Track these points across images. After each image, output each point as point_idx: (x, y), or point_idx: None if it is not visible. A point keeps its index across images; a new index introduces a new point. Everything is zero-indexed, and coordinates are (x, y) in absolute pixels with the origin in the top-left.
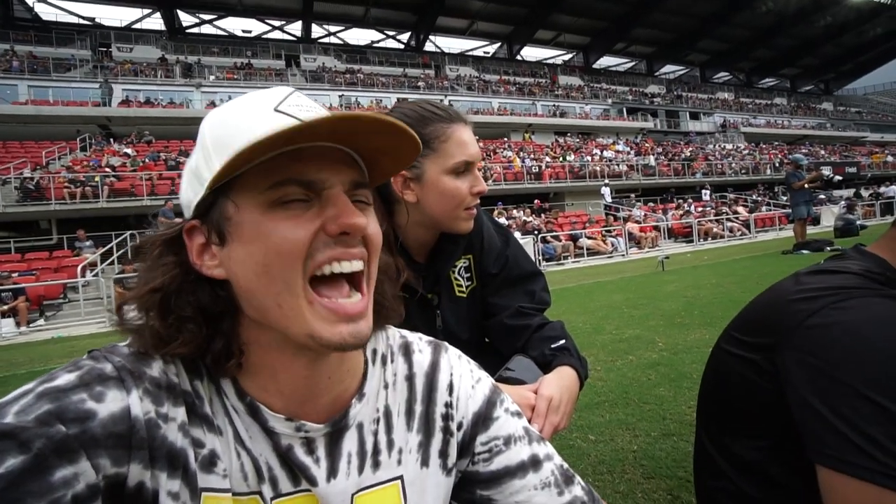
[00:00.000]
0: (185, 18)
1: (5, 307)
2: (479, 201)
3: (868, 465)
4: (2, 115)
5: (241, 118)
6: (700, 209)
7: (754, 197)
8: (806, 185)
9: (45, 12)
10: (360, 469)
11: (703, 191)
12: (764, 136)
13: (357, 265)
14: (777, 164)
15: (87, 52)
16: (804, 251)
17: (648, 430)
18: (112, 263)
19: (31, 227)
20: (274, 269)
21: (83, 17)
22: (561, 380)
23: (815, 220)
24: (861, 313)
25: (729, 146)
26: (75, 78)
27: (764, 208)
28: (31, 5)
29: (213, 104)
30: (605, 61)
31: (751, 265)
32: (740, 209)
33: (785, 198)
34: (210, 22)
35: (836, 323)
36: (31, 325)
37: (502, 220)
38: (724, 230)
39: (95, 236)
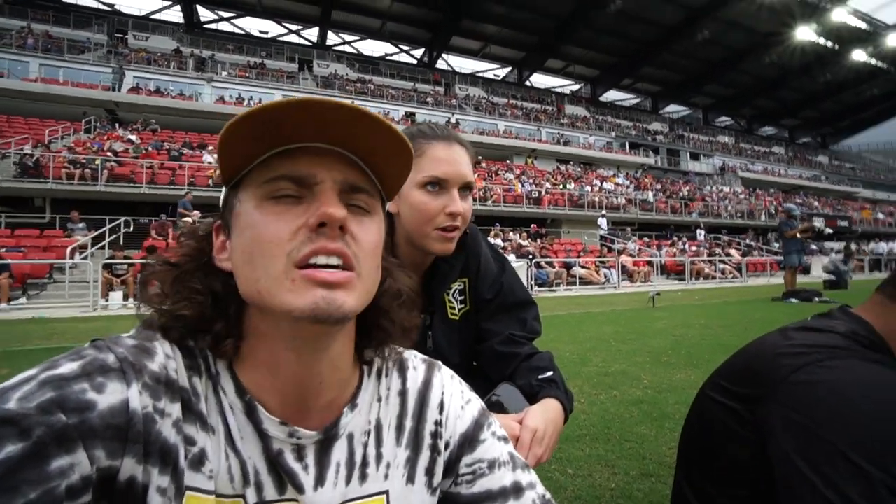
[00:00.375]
0: (204, 13)
1: None
2: (458, 223)
3: None
4: (10, 89)
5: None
6: (694, 248)
7: (748, 241)
8: (798, 235)
9: None
10: (348, 480)
11: (699, 230)
12: (760, 183)
13: (334, 260)
14: (772, 211)
15: (103, 37)
16: (793, 300)
17: (627, 469)
18: (103, 248)
19: (26, 203)
20: (255, 257)
21: (103, 2)
22: (546, 412)
23: (806, 270)
24: (846, 374)
25: (726, 189)
26: (88, 60)
27: (756, 253)
28: None
29: (222, 99)
30: (612, 95)
31: (741, 309)
32: (733, 252)
33: (777, 245)
34: (228, 19)
35: (822, 382)
36: (11, 303)
37: (498, 242)
38: (716, 271)
39: (89, 219)
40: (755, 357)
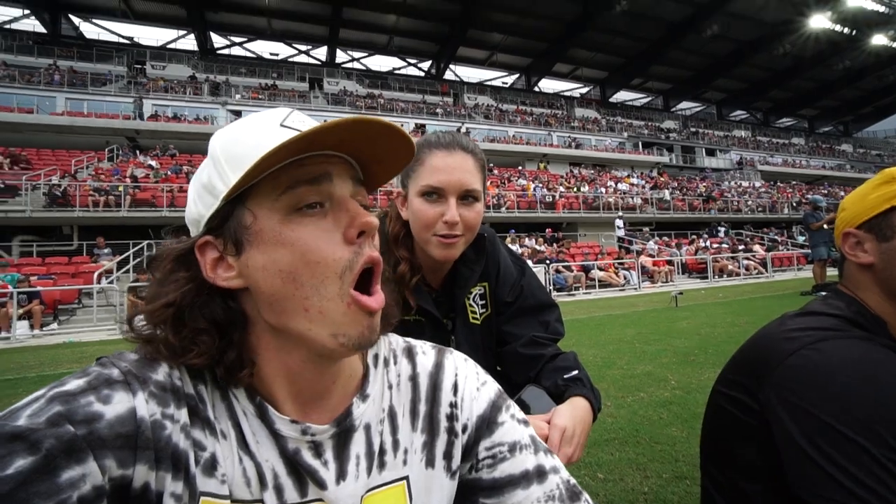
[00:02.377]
0: (217, 40)
1: (21, 310)
2: (456, 231)
3: (846, 500)
4: (39, 124)
5: (251, 134)
6: (715, 245)
7: (772, 235)
8: (825, 226)
9: (89, 31)
10: (369, 470)
11: (720, 227)
12: (781, 175)
13: (374, 269)
14: (795, 204)
15: (123, 69)
16: (824, 293)
17: (660, 472)
18: (128, 272)
19: (54, 231)
20: (302, 276)
21: (123, 36)
22: (574, 410)
23: (836, 262)
24: (835, 354)
25: (745, 184)
26: (109, 92)
27: (781, 248)
28: (77, 24)
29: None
30: (622, 95)
31: (768, 305)
32: (757, 247)
33: (803, 238)
34: (240, 44)
35: (813, 362)
36: (44, 329)
37: (514, 248)
38: (739, 268)
39: (114, 244)
40: (756, 346)
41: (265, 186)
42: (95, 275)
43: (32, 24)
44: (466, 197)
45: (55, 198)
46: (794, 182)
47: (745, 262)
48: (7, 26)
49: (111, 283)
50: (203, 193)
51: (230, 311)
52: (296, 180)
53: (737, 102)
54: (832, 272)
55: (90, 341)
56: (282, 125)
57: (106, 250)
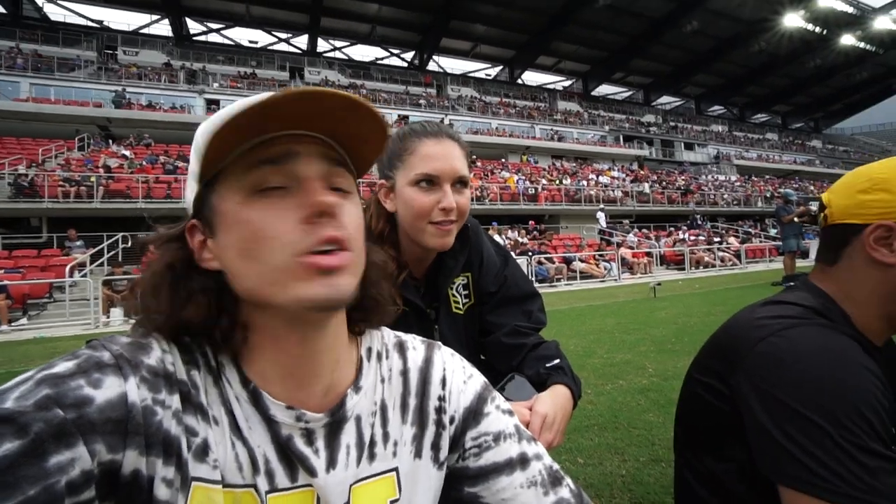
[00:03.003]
0: (193, 26)
1: None
2: (452, 218)
3: (810, 479)
4: (1, 110)
5: (222, 115)
6: (693, 237)
7: (745, 228)
8: (795, 219)
9: (54, 13)
10: (358, 461)
11: (697, 216)
12: (756, 170)
13: (332, 247)
14: (768, 197)
15: (93, 54)
16: (793, 283)
17: (637, 455)
18: (101, 265)
19: (21, 223)
20: (255, 252)
21: (91, 20)
22: (555, 398)
23: (805, 254)
24: (799, 341)
25: (722, 177)
26: (78, 78)
27: (755, 240)
28: (41, 5)
29: (214, 111)
30: (604, 89)
31: (741, 295)
32: (732, 239)
33: (775, 230)
34: (217, 31)
35: (779, 349)
36: (12, 325)
37: (497, 240)
38: (715, 259)
39: (87, 236)
40: (727, 333)
41: (233, 169)
42: (67, 268)
43: None
44: (458, 183)
45: (21, 188)
46: (767, 176)
47: (721, 254)
48: None
49: (84, 276)
50: (190, 180)
51: (221, 283)
52: (258, 160)
53: (715, 97)
54: (801, 264)
55: (63, 336)
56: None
57: (78, 243)
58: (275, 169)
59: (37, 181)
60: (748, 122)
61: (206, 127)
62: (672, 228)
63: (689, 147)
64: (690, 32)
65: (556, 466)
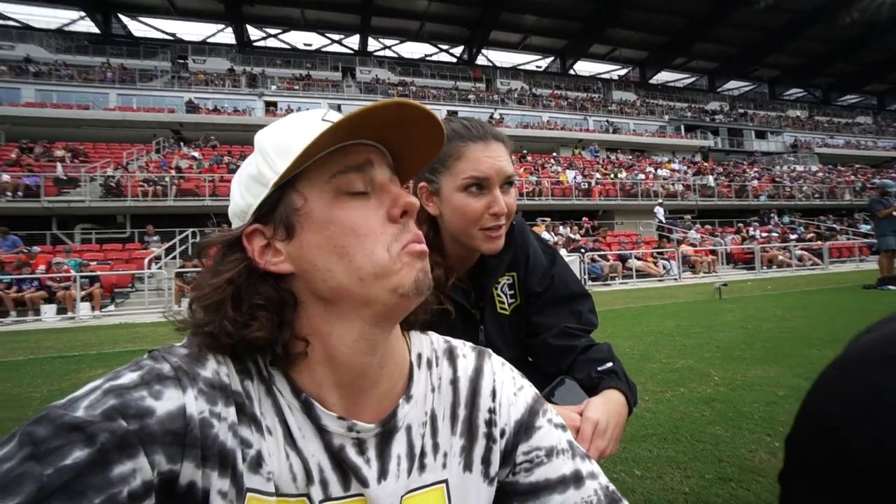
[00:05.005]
0: (254, 33)
1: (83, 292)
2: (502, 221)
3: None
4: (95, 119)
5: (296, 127)
6: (764, 234)
7: (829, 223)
8: (894, 213)
9: (137, 29)
10: (409, 471)
11: (771, 215)
12: (842, 158)
13: (423, 246)
14: (858, 189)
15: (168, 64)
16: (891, 287)
17: (702, 472)
18: (174, 258)
19: (110, 220)
20: (353, 248)
21: (167, 33)
22: (608, 404)
23: None
24: None
25: (800, 168)
26: (155, 87)
27: (841, 236)
28: (126, 23)
29: (272, 112)
30: (663, 76)
31: (824, 299)
32: (811, 236)
33: (867, 226)
34: (275, 36)
35: None
36: (103, 310)
37: (547, 236)
38: (791, 258)
39: (162, 232)
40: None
41: (314, 172)
42: (146, 261)
43: (87, 25)
44: (506, 184)
45: (110, 188)
46: (857, 165)
47: (799, 252)
48: (66, 28)
49: (160, 268)
50: (251, 184)
51: (281, 292)
52: (345, 166)
53: (792, 80)
54: None
55: (142, 323)
56: (323, 119)
57: (155, 237)
58: (358, 175)
59: (122, 182)
60: (834, 104)
61: (296, 131)
62: (741, 224)
63: (760, 135)
64: (763, 8)
65: (612, 487)
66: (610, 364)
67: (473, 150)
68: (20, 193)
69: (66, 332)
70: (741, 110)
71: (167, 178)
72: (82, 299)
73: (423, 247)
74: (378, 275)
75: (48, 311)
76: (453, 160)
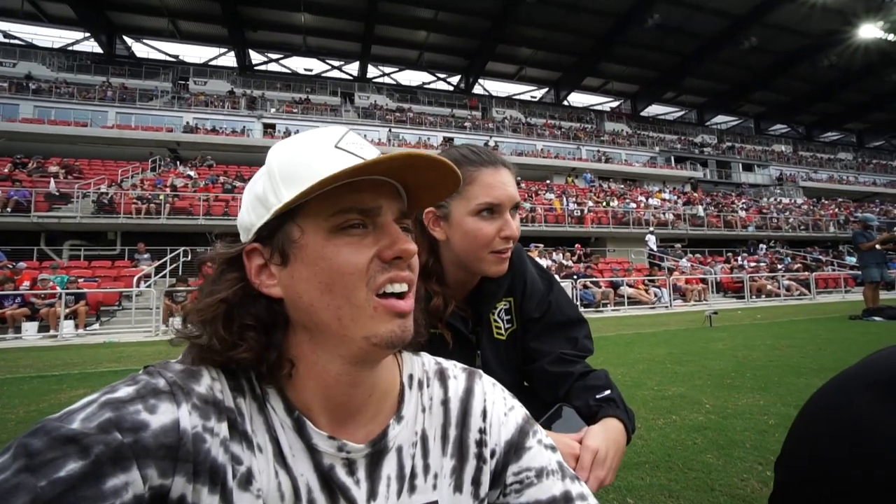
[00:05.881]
0: (255, 57)
1: (67, 310)
2: (511, 245)
3: None
4: (92, 136)
5: (307, 154)
6: (753, 264)
7: (815, 255)
8: (878, 246)
9: (140, 50)
10: (399, 493)
11: (761, 245)
12: (826, 192)
13: (405, 287)
14: (841, 222)
15: (169, 85)
16: (876, 318)
17: (694, 500)
18: (164, 276)
19: (100, 237)
20: (336, 287)
21: (169, 55)
22: (607, 432)
23: (890, 285)
24: None
25: (786, 200)
26: (155, 107)
27: (827, 268)
28: (130, 45)
29: (270, 134)
30: (654, 109)
31: (812, 328)
32: (798, 267)
33: (851, 259)
34: (276, 60)
35: None
36: (87, 328)
37: (541, 262)
38: (779, 288)
39: (153, 250)
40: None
41: (316, 206)
42: (135, 279)
43: (91, 45)
44: (513, 209)
45: (102, 205)
46: (840, 199)
47: (787, 282)
48: (69, 48)
49: (149, 286)
50: (256, 204)
51: (273, 313)
52: (349, 207)
53: (777, 116)
54: (886, 296)
55: (128, 342)
56: (336, 146)
57: (145, 255)
58: (361, 215)
59: (115, 199)
60: (817, 140)
61: (306, 157)
62: (730, 254)
63: (747, 168)
64: (749, 49)
65: None
66: (608, 392)
67: (485, 175)
68: (9, 209)
69: (47, 350)
70: (729, 143)
71: (161, 196)
72: (66, 317)
73: (405, 305)
74: (354, 317)
75: (30, 328)
76: (465, 185)
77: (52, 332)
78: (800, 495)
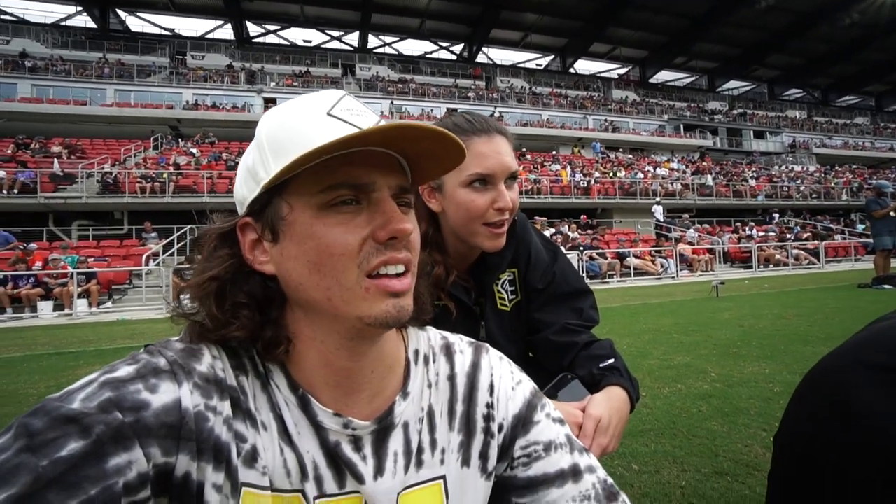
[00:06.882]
0: (253, 29)
1: (80, 289)
2: (506, 217)
3: None
4: (92, 115)
5: (297, 122)
6: (761, 233)
7: (826, 223)
8: (892, 213)
9: (134, 24)
10: (406, 468)
11: (774, 213)
12: (839, 158)
13: (401, 269)
14: (854, 189)
15: (166, 60)
16: (886, 286)
17: (698, 466)
18: (172, 254)
19: (107, 217)
20: (325, 268)
21: (165, 28)
22: (610, 400)
23: None
24: None
25: (798, 168)
26: (154, 83)
27: (838, 236)
28: (124, 19)
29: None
30: (663, 76)
31: (820, 297)
32: (808, 235)
33: (863, 226)
34: (275, 32)
35: None
36: (100, 307)
37: (546, 233)
38: (788, 257)
39: (160, 228)
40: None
41: (304, 180)
42: (143, 257)
43: (84, 21)
44: (510, 179)
45: (107, 185)
46: (854, 166)
47: (795, 251)
48: (62, 23)
49: (157, 265)
50: (247, 177)
51: (268, 290)
52: (340, 182)
53: (792, 80)
54: None
55: (140, 319)
56: (328, 114)
57: (153, 234)
58: (353, 191)
59: (119, 178)
60: (833, 105)
61: (295, 126)
62: (738, 223)
63: (759, 135)
64: (764, 8)
65: (610, 480)
66: (612, 360)
67: (477, 144)
68: (16, 190)
69: (62, 328)
70: (740, 110)
71: (165, 175)
72: (79, 296)
73: (401, 285)
74: (345, 299)
75: (45, 307)
76: None
77: (66, 311)
78: (794, 472)
